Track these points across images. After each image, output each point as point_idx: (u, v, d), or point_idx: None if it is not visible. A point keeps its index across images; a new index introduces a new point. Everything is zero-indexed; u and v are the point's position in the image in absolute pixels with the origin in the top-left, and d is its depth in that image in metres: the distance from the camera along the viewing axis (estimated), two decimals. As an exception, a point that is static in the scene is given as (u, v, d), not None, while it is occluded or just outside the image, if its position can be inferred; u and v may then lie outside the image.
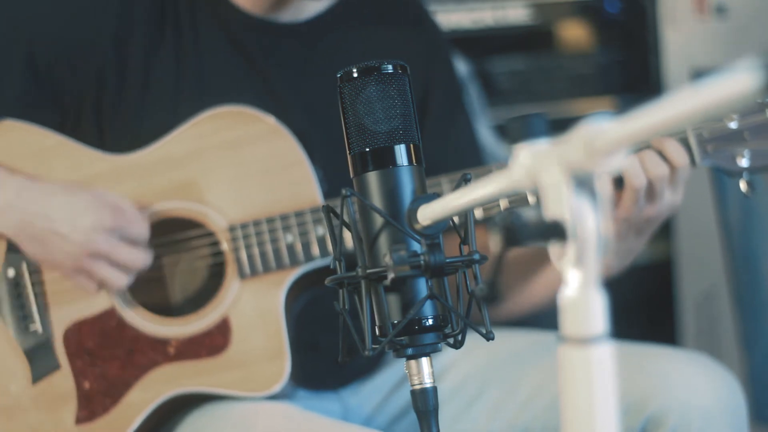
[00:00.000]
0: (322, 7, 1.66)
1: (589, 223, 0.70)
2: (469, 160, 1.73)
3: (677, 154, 1.42)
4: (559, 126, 0.88)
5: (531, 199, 1.48)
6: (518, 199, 1.48)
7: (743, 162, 1.45)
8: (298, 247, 1.53)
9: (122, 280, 1.51)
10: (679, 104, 0.62)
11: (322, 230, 1.53)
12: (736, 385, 1.50)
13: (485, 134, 2.29)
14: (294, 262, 1.54)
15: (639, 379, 1.48)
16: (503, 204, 1.49)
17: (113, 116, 1.60)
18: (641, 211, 1.43)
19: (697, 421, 1.44)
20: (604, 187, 1.40)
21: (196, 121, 1.56)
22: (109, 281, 1.50)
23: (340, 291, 1.00)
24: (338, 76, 1.01)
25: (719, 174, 1.50)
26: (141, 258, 1.51)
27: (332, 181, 1.58)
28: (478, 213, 1.50)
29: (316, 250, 1.53)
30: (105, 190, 1.53)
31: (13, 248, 1.54)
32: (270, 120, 1.56)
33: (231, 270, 1.54)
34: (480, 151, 1.79)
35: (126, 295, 1.54)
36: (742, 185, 1.46)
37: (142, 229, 1.51)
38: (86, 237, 1.48)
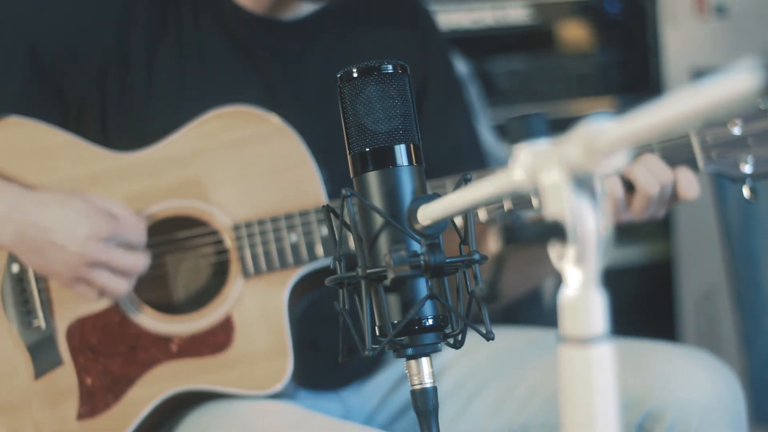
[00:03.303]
0: (321, 5, 1.66)
1: (589, 223, 0.70)
2: (467, 157, 1.73)
3: (689, 185, 1.45)
4: (559, 126, 0.88)
5: (535, 202, 1.48)
6: (521, 202, 1.49)
7: (747, 168, 1.46)
8: (302, 247, 1.53)
9: (122, 286, 1.50)
10: (679, 104, 0.62)
11: (326, 230, 1.53)
12: (735, 381, 1.50)
13: (485, 134, 2.29)
14: (298, 261, 1.54)
15: (638, 374, 1.48)
16: (506, 206, 1.49)
17: (116, 113, 1.60)
18: (652, 214, 1.46)
19: (695, 417, 1.44)
20: (616, 190, 1.42)
21: (202, 120, 1.57)
22: (109, 288, 1.50)
23: (340, 291, 1.00)
24: (338, 76, 1.01)
25: (721, 178, 1.51)
26: (139, 262, 1.51)
27: (333, 180, 1.58)
28: (482, 215, 1.51)
29: (320, 249, 1.53)
30: (101, 197, 1.52)
31: None
32: (275, 120, 1.56)
33: (235, 268, 1.54)
34: (480, 148, 1.79)
35: (130, 293, 1.55)
36: (746, 191, 1.46)
37: (138, 233, 1.51)
38: (83, 246, 1.47)
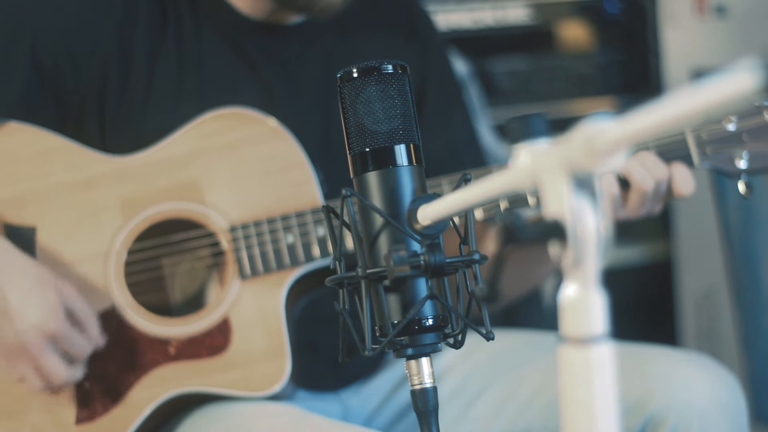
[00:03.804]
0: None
1: (589, 223, 0.70)
2: (466, 157, 1.73)
3: (684, 181, 1.44)
4: (559, 126, 0.88)
5: (531, 200, 1.48)
6: (518, 201, 1.49)
7: (741, 164, 1.46)
8: (299, 248, 1.53)
9: (36, 384, 1.47)
10: (679, 104, 0.62)
11: (322, 231, 1.53)
12: (737, 385, 1.50)
13: (485, 134, 2.29)
14: (294, 262, 1.54)
15: (639, 379, 1.48)
16: (503, 205, 1.49)
17: (115, 117, 1.60)
18: (648, 211, 1.46)
19: (697, 422, 1.44)
20: (612, 187, 1.42)
21: (198, 123, 1.56)
22: (27, 380, 1.47)
23: (340, 291, 1.00)
24: (338, 76, 1.01)
25: (720, 177, 1.51)
26: (65, 376, 1.47)
27: (332, 182, 1.58)
28: (479, 214, 1.51)
29: (316, 250, 1.53)
30: (76, 295, 1.48)
31: (18, 248, 1.54)
32: (271, 122, 1.56)
33: (231, 270, 1.54)
34: (479, 147, 1.79)
35: (127, 296, 1.54)
36: (741, 187, 1.46)
37: (83, 350, 1.48)
38: (24, 333, 1.44)
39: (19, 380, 1.49)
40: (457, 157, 1.71)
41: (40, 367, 1.46)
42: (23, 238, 1.55)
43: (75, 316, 1.48)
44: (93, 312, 1.50)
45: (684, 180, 1.44)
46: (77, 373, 1.49)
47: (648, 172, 1.43)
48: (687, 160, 1.46)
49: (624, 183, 1.45)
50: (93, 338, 1.49)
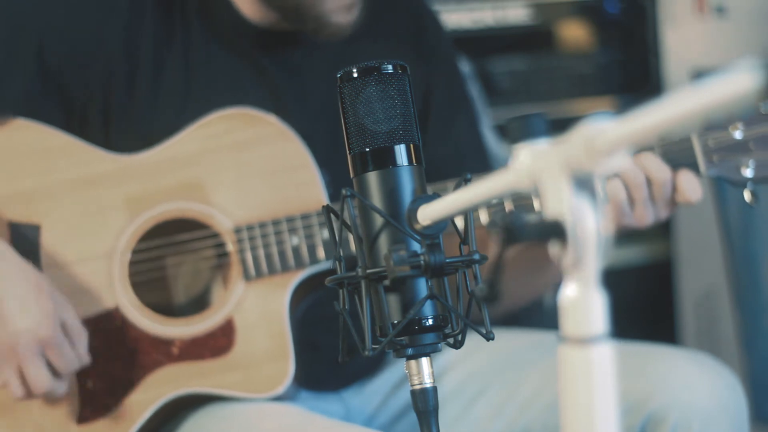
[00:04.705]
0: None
1: (589, 223, 0.70)
2: (472, 162, 1.73)
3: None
4: (559, 126, 0.88)
5: (536, 203, 1.48)
6: (523, 203, 1.49)
7: (748, 172, 1.46)
8: (304, 250, 1.53)
9: (18, 392, 1.46)
10: (679, 104, 0.62)
11: (327, 233, 1.53)
12: (737, 385, 1.50)
13: (486, 134, 2.29)
14: (299, 264, 1.54)
15: (639, 378, 1.48)
16: (507, 207, 1.49)
17: (120, 117, 1.60)
18: (654, 217, 1.45)
19: (697, 421, 1.44)
20: (618, 193, 1.41)
21: (203, 123, 1.56)
22: (9, 386, 1.46)
23: (340, 291, 1.00)
24: (338, 76, 1.01)
25: (721, 181, 1.51)
26: (46, 387, 1.45)
27: (338, 185, 1.58)
28: (483, 217, 1.51)
29: (321, 252, 1.53)
30: (68, 307, 1.48)
31: (22, 246, 1.54)
32: (277, 122, 1.56)
33: (236, 271, 1.54)
34: (485, 152, 1.79)
35: (130, 296, 1.54)
36: (747, 195, 1.46)
37: (70, 365, 1.47)
38: (14, 335, 1.43)
39: (0, 385, 1.48)
40: (463, 163, 1.71)
41: (26, 372, 1.45)
42: (27, 236, 1.55)
43: (67, 329, 1.47)
44: (84, 330, 1.49)
45: (691, 187, 1.44)
46: (60, 387, 1.48)
47: (637, 167, 1.43)
48: (694, 167, 1.46)
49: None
50: (81, 356, 1.48)
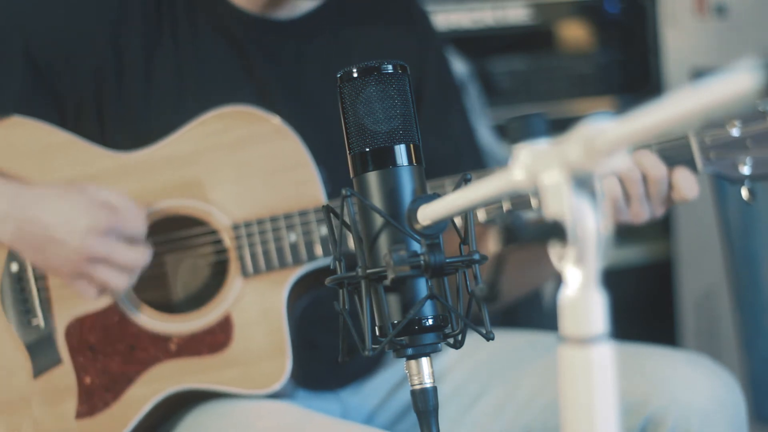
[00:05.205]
0: (317, 4, 1.66)
1: (589, 222, 0.70)
2: (464, 157, 1.73)
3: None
4: (559, 126, 0.88)
5: (534, 202, 1.48)
6: (521, 203, 1.49)
7: (745, 170, 1.46)
8: (302, 246, 1.53)
9: (123, 282, 1.50)
10: (679, 104, 0.62)
11: (325, 230, 1.53)
12: (736, 386, 1.50)
13: (485, 134, 2.29)
14: (297, 261, 1.54)
15: (639, 379, 1.48)
16: (505, 207, 1.49)
17: (114, 115, 1.60)
18: (650, 214, 1.45)
19: (696, 422, 1.44)
20: (614, 190, 1.41)
21: (202, 120, 1.57)
22: (110, 284, 1.49)
23: (340, 291, 1.00)
24: (338, 76, 1.01)
25: (720, 179, 1.51)
26: (140, 257, 1.50)
27: (334, 181, 1.58)
28: (481, 215, 1.50)
29: (319, 249, 1.53)
30: (98, 188, 1.51)
31: None
32: (275, 120, 1.56)
33: (234, 268, 1.54)
34: (477, 146, 1.79)
35: (129, 292, 1.55)
36: (744, 193, 1.46)
37: (138, 225, 1.50)
38: (82, 241, 1.47)
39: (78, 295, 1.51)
40: (455, 155, 1.71)
41: (113, 262, 1.47)
42: None
43: (112, 205, 1.49)
44: (137, 208, 1.51)
45: (687, 184, 1.44)
46: (132, 279, 1.50)
47: (636, 165, 1.43)
48: (690, 164, 1.46)
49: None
50: (136, 216, 1.50)
